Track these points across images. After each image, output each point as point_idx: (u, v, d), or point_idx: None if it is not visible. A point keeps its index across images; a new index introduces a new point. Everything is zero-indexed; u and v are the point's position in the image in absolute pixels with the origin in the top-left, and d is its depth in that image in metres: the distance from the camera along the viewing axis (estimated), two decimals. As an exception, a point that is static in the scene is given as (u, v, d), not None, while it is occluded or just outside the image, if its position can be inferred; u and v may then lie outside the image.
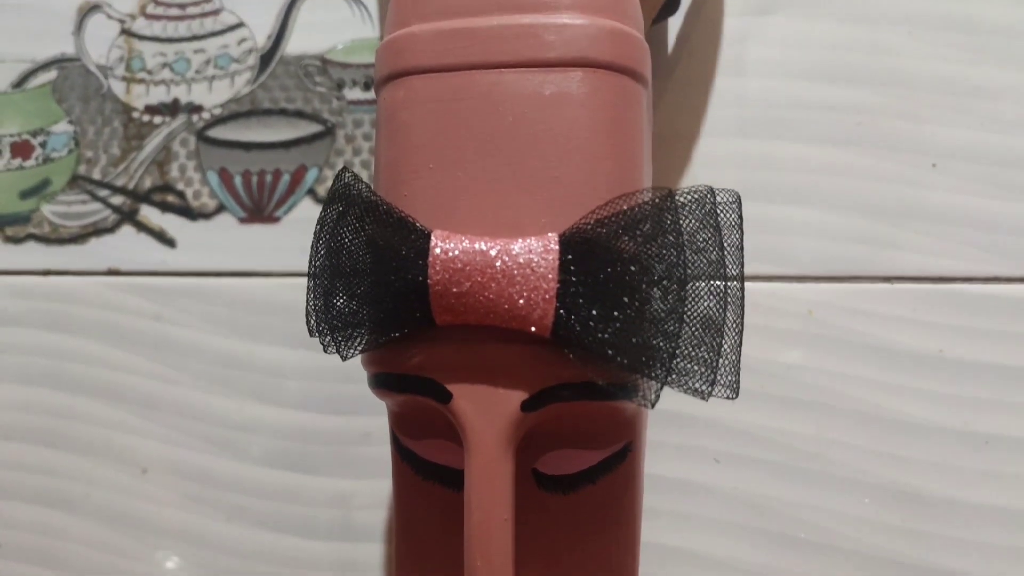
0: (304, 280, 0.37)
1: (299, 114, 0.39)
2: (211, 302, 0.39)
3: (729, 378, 0.21)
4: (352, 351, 0.23)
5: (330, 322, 0.23)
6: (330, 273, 0.23)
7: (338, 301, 0.22)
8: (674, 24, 0.36)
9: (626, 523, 0.26)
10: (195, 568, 0.37)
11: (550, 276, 0.21)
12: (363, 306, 0.22)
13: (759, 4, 0.35)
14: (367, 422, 0.36)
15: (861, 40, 0.35)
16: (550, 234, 0.21)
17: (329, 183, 0.38)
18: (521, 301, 0.21)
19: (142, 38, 0.41)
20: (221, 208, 0.39)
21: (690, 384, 0.21)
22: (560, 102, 0.23)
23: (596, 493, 0.25)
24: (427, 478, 0.26)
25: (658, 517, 0.33)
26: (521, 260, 0.21)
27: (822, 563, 0.32)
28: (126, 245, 0.40)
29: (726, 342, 0.21)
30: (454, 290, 0.21)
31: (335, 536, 0.36)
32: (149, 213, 0.40)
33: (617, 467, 0.25)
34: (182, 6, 0.41)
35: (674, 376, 0.21)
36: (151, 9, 0.41)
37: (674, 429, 0.34)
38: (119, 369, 0.39)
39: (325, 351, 0.23)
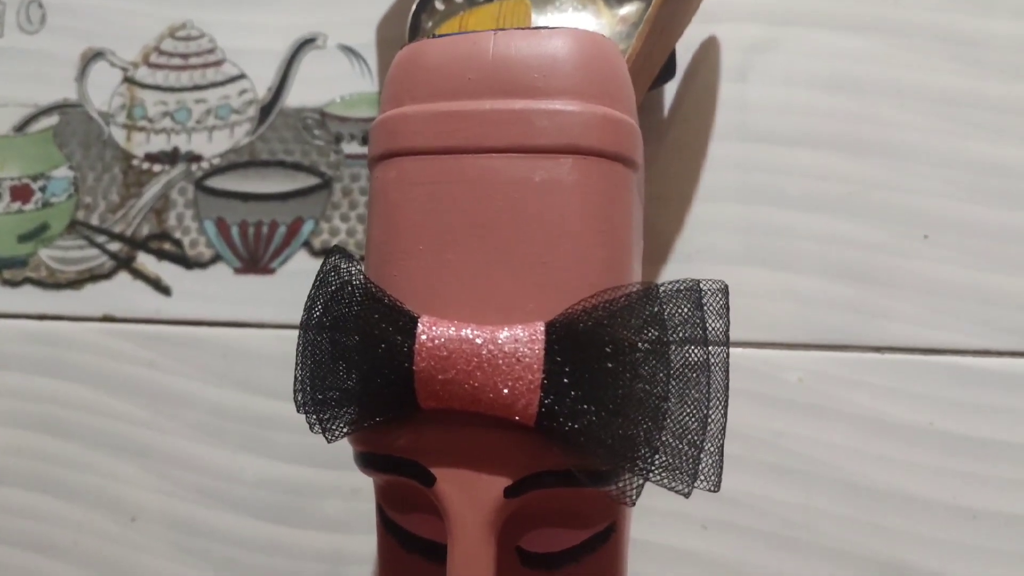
0: (296, 333, 0.37)
1: (297, 166, 0.39)
2: (205, 351, 0.39)
3: (710, 472, 0.21)
4: (338, 432, 0.23)
5: (316, 402, 0.23)
6: (318, 353, 0.23)
7: (325, 382, 0.23)
8: (670, 88, 0.36)
9: (610, 602, 0.26)
10: (181, 620, 0.37)
11: (535, 367, 0.21)
12: (349, 389, 0.22)
13: (754, 71, 0.36)
14: (358, 478, 0.36)
15: (854, 110, 0.35)
16: (537, 323, 0.22)
17: (325, 236, 0.38)
18: (506, 391, 0.21)
19: (144, 86, 0.41)
20: (217, 258, 0.39)
21: (671, 480, 0.21)
22: (550, 188, 0.23)
23: (579, 572, 0.25)
24: (411, 550, 0.26)
25: (645, 583, 0.33)
26: (507, 349, 0.21)
27: (808, 635, 0.32)
28: (122, 292, 0.40)
29: (708, 437, 0.21)
30: (439, 377, 0.21)
31: (322, 591, 0.36)
32: (146, 260, 0.40)
33: (601, 547, 0.25)
34: (184, 56, 0.41)
35: (655, 471, 0.21)
36: (154, 58, 0.41)
37: (661, 495, 0.33)
38: (112, 416, 0.39)
39: (311, 430, 0.23)
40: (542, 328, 0.21)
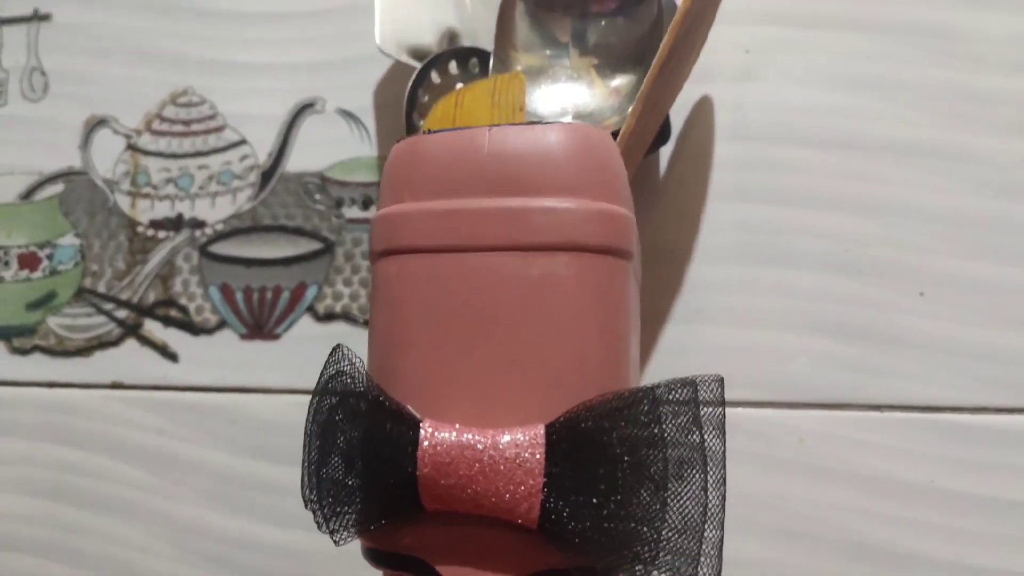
0: (304, 398, 0.38)
1: (299, 231, 0.40)
2: (212, 417, 0.39)
3: (711, 567, 0.21)
4: (345, 535, 0.23)
5: (323, 503, 0.23)
6: (323, 454, 0.23)
7: (331, 483, 0.23)
8: (665, 150, 0.36)
9: None
10: None
11: (536, 471, 0.21)
12: (354, 491, 0.23)
13: (748, 131, 0.36)
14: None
15: (850, 167, 0.35)
16: (538, 426, 0.22)
17: (328, 301, 0.39)
18: (508, 496, 0.21)
19: (147, 153, 0.42)
20: (223, 324, 0.40)
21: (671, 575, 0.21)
22: (547, 285, 0.23)
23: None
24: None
25: (653, 645, 0.33)
26: (508, 455, 0.22)
27: None
28: (130, 359, 0.40)
29: (708, 532, 0.21)
30: (442, 482, 0.22)
31: (334, 653, 0.37)
32: (152, 327, 0.41)
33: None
34: (186, 123, 0.42)
35: (657, 568, 0.21)
36: (156, 125, 0.42)
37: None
38: (122, 483, 0.40)
39: (319, 530, 0.24)
40: (542, 432, 0.22)
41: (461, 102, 0.31)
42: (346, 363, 0.24)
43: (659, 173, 0.37)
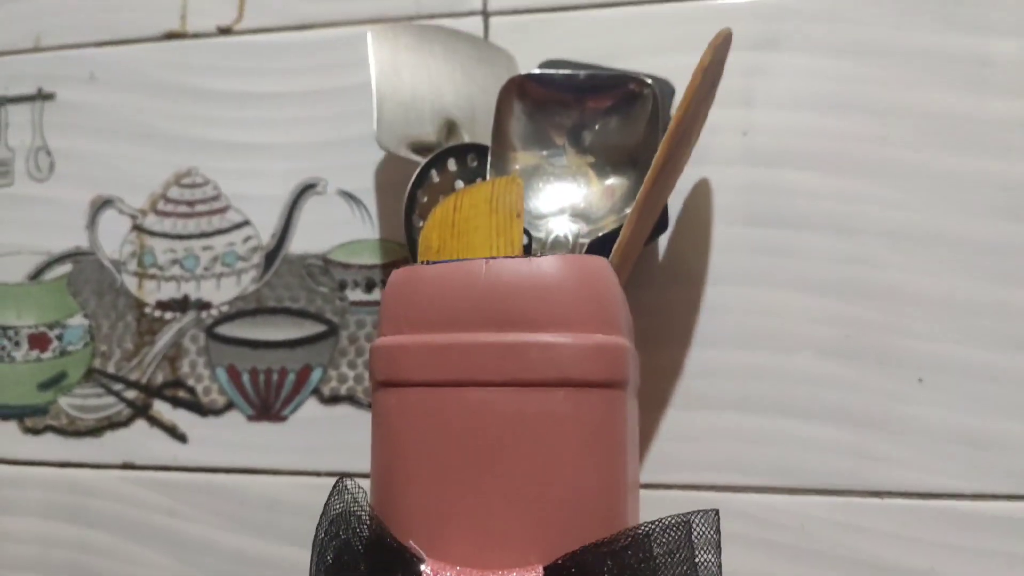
0: (310, 480, 0.38)
1: (303, 313, 0.40)
2: (222, 498, 0.40)
3: None
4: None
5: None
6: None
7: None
8: (665, 236, 0.37)
9: None
10: None
11: (536, 614, 0.22)
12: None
13: (749, 214, 0.36)
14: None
15: (848, 253, 0.35)
16: (538, 568, 0.23)
17: (334, 384, 0.39)
18: (509, 638, 0.22)
19: (153, 234, 0.42)
20: (230, 405, 0.40)
21: None
22: (544, 421, 0.24)
23: None
24: None
25: None
26: (509, 598, 0.22)
27: None
28: (140, 439, 0.41)
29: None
30: (445, 624, 0.22)
31: None
32: (161, 408, 0.41)
33: None
34: (191, 203, 0.42)
35: None
36: (161, 205, 0.43)
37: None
38: (135, 563, 0.40)
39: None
40: (542, 574, 0.22)
41: (460, 206, 0.31)
42: (350, 501, 0.24)
43: (658, 258, 0.37)
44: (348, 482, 0.25)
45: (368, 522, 0.24)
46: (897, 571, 0.34)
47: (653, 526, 0.23)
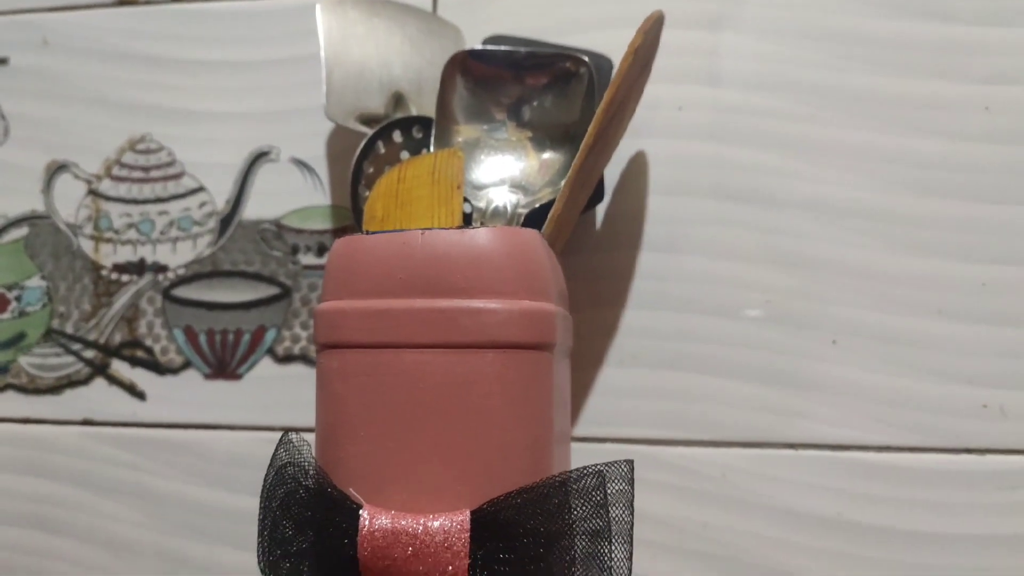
0: (265, 434, 0.40)
1: (257, 276, 0.42)
2: (181, 453, 0.42)
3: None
4: (295, 603, 0.26)
5: (276, 574, 0.26)
6: (276, 532, 0.26)
7: (282, 558, 0.26)
8: (601, 206, 0.39)
9: None
10: None
11: (463, 554, 0.24)
12: (303, 566, 0.25)
13: (682, 186, 0.38)
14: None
15: (772, 224, 0.38)
16: (464, 512, 0.25)
17: (287, 344, 0.41)
18: (438, 574, 0.24)
19: (108, 199, 0.43)
20: (188, 364, 0.42)
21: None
22: (474, 381, 0.26)
23: None
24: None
25: (588, 662, 0.37)
26: (438, 539, 0.24)
27: None
28: (99, 397, 0.43)
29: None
30: (380, 563, 0.25)
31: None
32: (120, 367, 0.43)
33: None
34: (145, 169, 0.43)
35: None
36: (116, 171, 0.43)
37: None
38: (98, 514, 0.42)
39: (274, 601, 0.27)
40: (468, 519, 0.25)
41: (404, 177, 0.33)
42: (295, 452, 0.26)
43: (596, 226, 0.39)
44: (293, 436, 0.27)
45: (311, 472, 0.26)
46: (808, 516, 0.37)
47: (571, 474, 0.25)
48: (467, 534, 0.24)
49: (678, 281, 0.38)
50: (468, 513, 0.25)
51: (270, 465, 0.27)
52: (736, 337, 0.38)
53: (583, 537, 0.25)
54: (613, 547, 0.25)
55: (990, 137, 0.37)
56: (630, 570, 0.25)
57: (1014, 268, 0.36)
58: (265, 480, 0.27)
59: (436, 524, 0.25)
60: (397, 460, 0.26)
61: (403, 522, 0.25)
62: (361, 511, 0.25)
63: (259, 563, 0.27)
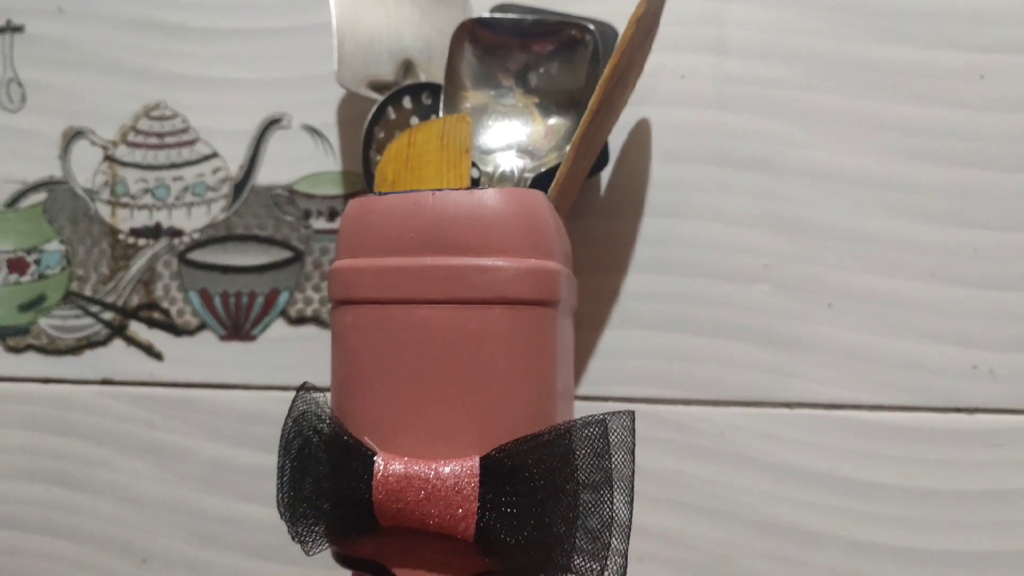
0: (278, 393, 0.42)
1: (270, 240, 0.43)
2: (197, 411, 0.43)
3: (616, 571, 0.26)
4: (313, 546, 0.27)
5: (295, 518, 0.27)
6: (294, 479, 0.27)
7: (301, 504, 0.27)
8: (605, 172, 0.40)
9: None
10: (191, 647, 0.42)
11: (472, 497, 0.26)
12: (321, 512, 0.27)
13: (683, 153, 0.39)
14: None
15: (769, 190, 0.39)
16: (474, 458, 0.26)
17: (300, 306, 0.42)
18: (449, 516, 0.26)
19: (124, 164, 0.45)
20: (203, 326, 0.43)
21: (585, 576, 0.26)
22: (482, 335, 0.27)
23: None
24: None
25: (590, 610, 0.39)
26: (449, 483, 0.26)
27: (728, 650, 0.38)
28: (118, 357, 0.44)
29: (615, 540, 0.26)
30: (394, 506, 0.26)
31: (313, 617, 0.42)
32: (138, 328, 0.44)
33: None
34: (160, 135, 0.44)
35: (572, 570, 0.26)
36: (132, 137, 0.45)
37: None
38: (117, 470, 0.44)
39: (293, 540, 0.28)
40: (477, 464, 0.26)
41: (413, 142, 0.34)
42: (311, 403, 0.27)
43: (600, 192, 0.40)
44: (310, 388, 0.28)
45: (327, 421, 0.27)
46: (803, 472, 0.38)
47: (575, 422, 0.26)
48: (476, 478, 0.26)
49: (679, 246, 0.39)
50: (477, 459, 0.26)
51: (288, 415, 0.28)
52: (734, 299, 0.39)
53: (586, 481, 0.26)
54: (615, 492, 0.26)
55: (985, 105, 0.38)
56: (631, 514, 0.26)
57: (1005, 233, 0.37)
58: (283, 429, 0.28)
59: (447, 469, 0.26)
60: (409, 410, 0.27)
61: (416, 467, 0.26)
62: (376, 457, 0.26)
63: (278, 508, 0.28)
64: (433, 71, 0.39)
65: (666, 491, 0.39)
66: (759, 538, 0.38)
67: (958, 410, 0.37)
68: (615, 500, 0.26)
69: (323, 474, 0.27)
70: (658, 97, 0.40)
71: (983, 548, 0.37)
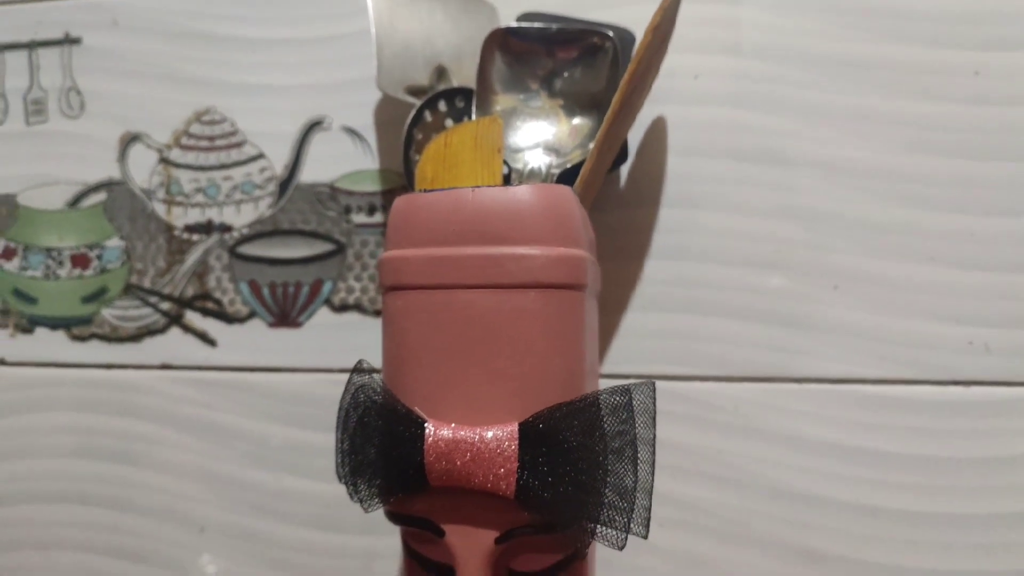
0: (324, 376, 0.45)
1: (314, 234, 0.46)
2: (249, 393, 0.47)
3: (640, 525, 0.29)
4: (370, 505, 0.31)
5: (353, 480, 0.31)
6: (352, 446, 0.31)
7: (358, 469, 0.31)
8: (625, 167, 0.43)
9: (580, 604, 0.34)
10: (248, 610, 0.46)
11: (512, 458, 0.29)
12: (376, 473, 0.30)
13: (698, 148, 0.42)
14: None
15: (778, 181, 0.42)
16: (513, 424, 0.29)
17: (342, 294, 0.46)
18: (492, 476, 0.29)
19: (178, 166, 0.48)
20: (253, 314, 0.47)
21: (611, 530, 0.29)
22: (519, 316, 0.30)
23: (557, 584, 0.34)
24: (428, 571, 0.35)
25: (611, 568, 0.42)
26: (492, 446, 0.29)
27: (743, 607, 0.41)
28: (175, 344, 0.48)
29: (639, 497, 0.29)
30: (443, 467, 0.29)
31: (359, 582, 0.45)
32: (193, 317, 0.48)
33: (572, 564, 0.34)
34: (211, 139, 0.48)
35: (601, 523, 0.29)
36: (184, 140, 0.48)
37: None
38: (176, 448, 0.47)
39: (351, 500, 0.31)
40: (517, 429, 0.29)
41: (449, 143, 0.37)
42: (367, 376, 0.31)
43: (620, 185, 0.43)
44: (364, 363, 0.32)
45: (381, 394, 0.31)
46: (812, 443, 0.41)
47: (602, 392, 0.30)
48: (516, 442, 0.29)
49: (695, 234, 0.42)
50: (516, 424, 0.29)
51: (345, 391, 0.32)
52: (747, 283, 0.42)
53: (613, 443, 0.29)
54: (639, 453, 0.29)
55: (979, 99, 0.40)
56: (653, 473, 0.30)
57: (999, 219, 0.40)
58: (340, 403, 0.32)
59: (490, 434, 0.29)
60: (454, 383, 0.30)
61: (462, 432, 0.29)
62: (426, 424, 0.30)
63: (337, 473, 0.32)
64: (464, 76, 0.42)
65: (685, 462, 0.42)
66: (771, 504, 0.41)
67: (956, 383, 0.40)
68: (639, 461, 0.29)
69: (378, 441, 0.30)
70: (674, 96, 0.43)
71: (980, 511, 0.40)
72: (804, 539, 0.41)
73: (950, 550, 0.40)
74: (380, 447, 0.30)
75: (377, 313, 0.46)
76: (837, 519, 0.41)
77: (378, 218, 0.46)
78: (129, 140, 0.49)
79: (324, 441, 0.46)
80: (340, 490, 0.45)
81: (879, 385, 0.41)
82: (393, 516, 0.32)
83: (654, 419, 0.30)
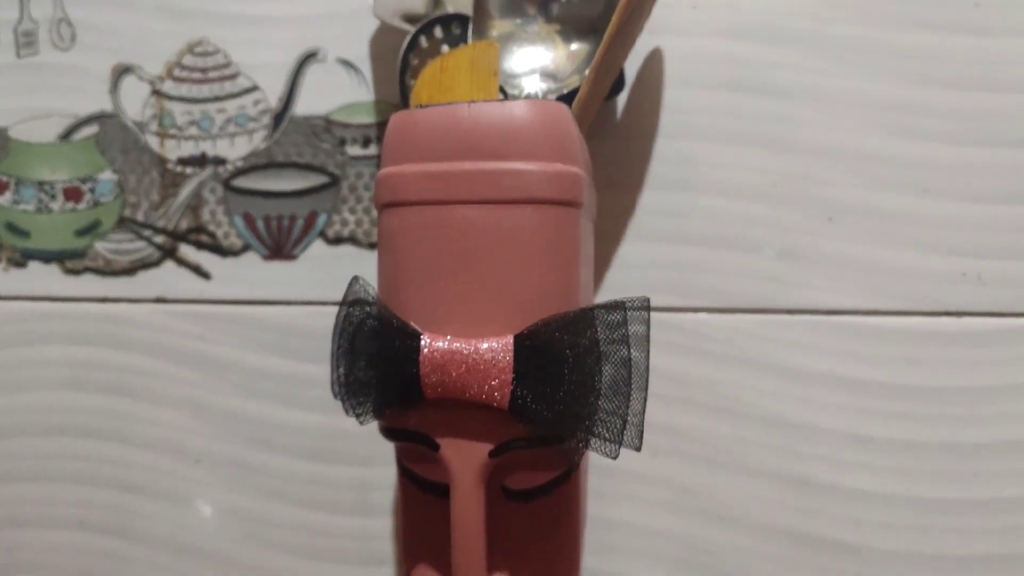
0: (318, 308, 0.45)
1: (309, 167, 0.46)
2: (244, 325, 0.47)
3: (633, 437, 0.29)
4: (365, 417, 0.31)
5: (348, 395, 0.31)
6: (348, 359, 0.31)
7: (354, 381, 0.31)
8: (621, 96, 0.43)
9: (573, 522, 0.35)
10: (238, 534, 0.47)
11: (507, 369, 0.29)
12: (371, 386, 0.30)
13: (694, 78, 0.42)
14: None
15: (774, 113, 0.42)
16: (508, 336, 0.30)
17: (337, 227, 0.46)
18: (486, 387, 0.29)
19: (171, 98, 0.48)
20: (247, 247, 0.47)
21: (605, 441, 0.29)
22: (514, 231, 0.30)
23: (549, 502, 0.34)
24: (424, 490, 0.35)
25: (604, 497, 0.42)
26: (487, 357, 0.29)
27: (733, 535, 0.42)
28: (169, 277, 0.48)
29: (632, 412, 0.29)
30: (438, 379, 0.30)
31: (354, 512, 0.46)
32: (187, 250, 0.48)
33: (564, 482, 0.34)
34: (204, 70, 0.47)
35: (594, 437, 0.29)
36: (177, 72, 0.48)
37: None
38: (171, 380, 0.48)
39: (346, 415, 0.32)
40: (511, 341, 0.29)
41: (445, 67, 0.37)
42: (362, 291, 0.31)
43: (616, 115, 0.43)
44: (360, 279, 0.32)
45: (377, 307, 0.31)
46: (804, 373, 0.41)
47: (596, 306, 0.30)
48: (511, 353, 0.29)
49: (690, 165, 0.42)
50: (511, 337, 0.30)
51: (341, 303, 0.32)
52: (742, 214, 0.42)
53: (607, 357, 0.29)
54: (631, 367, 0.29)
55: (979, 30, 0.40)
56: (646, 387, 0.30)
57: (994, 150, 0.40)
58: (336, 316, 0.32)
59: (485, 346, 0.29)
60: (450, 298, 0.31)
61: (457, 344, 0.30)
62: (422, 336, 0.30)
63: (332, 388, 0.32)
64: (460, 3, 0.42)
65: (679, 391, 0.42)
66: (764, 433, 0.42)
67: (947, 313, 0.40)
68: (631, 374, 0.29)
69: (373, 353, 0.30)
70: (671, 27, 0.42)
71: (969, 440, 0.40)
72: (796, 467, 0.41)
73: (940, 477, 0.40)
74: (376, 360, 0.30)
75: (372, 246, 0.46)
76: (828, 448, 0.41)
77: (373, 150, 0.46)
78: (121, 72, 0.48)
79: (319, 373, 0.46)
80: (336, 421, 0.46)
81: (872, 316, 0.41)
82: (388, 432, 0.32)
83: (648, 332, 0.30)
